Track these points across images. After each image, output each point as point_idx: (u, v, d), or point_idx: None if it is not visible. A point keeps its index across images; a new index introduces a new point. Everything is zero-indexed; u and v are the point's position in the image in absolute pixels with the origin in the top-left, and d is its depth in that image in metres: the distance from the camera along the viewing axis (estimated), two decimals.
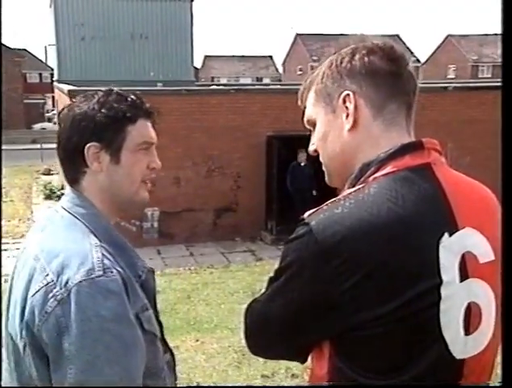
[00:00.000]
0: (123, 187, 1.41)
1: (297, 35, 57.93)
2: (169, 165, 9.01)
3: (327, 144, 1.24)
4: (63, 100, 12.86)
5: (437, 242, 1.08)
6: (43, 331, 1.20)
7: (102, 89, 1.44)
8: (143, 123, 1.43)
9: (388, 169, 1.13)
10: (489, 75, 48.76)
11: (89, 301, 1.19)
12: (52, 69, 27.48)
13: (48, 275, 1.24)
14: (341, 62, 1.21)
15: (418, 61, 51.44)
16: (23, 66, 41.31)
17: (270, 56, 65.40)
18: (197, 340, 5.85)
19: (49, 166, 19.56)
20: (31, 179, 18.57)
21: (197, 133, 10.40)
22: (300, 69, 52.36)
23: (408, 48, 44.48)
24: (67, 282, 1.21)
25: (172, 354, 1.52)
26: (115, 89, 1.44)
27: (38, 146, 24.55)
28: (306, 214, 1.14)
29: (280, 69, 62.93)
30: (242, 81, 53.79)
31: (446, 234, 1.09)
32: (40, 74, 50.41)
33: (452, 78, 44.96)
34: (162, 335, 1.48)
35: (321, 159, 1.28)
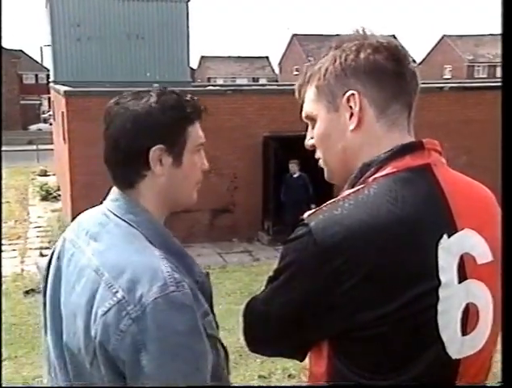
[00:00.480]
0: (180, 191, 1.37)
1: (293, 35, 57.95)
2: None
3: (329, 143, 1.23)
4: (59, 101, 12.84)
5: (436, 244, 1.08)
6: (119, 350, 1.17)
7: (155, 87, 1.37)
8: (198, 123, 1.38)
9: (389, 169, 1.13)
10: (485, 75, 48.90)
11: (165, 318, 1.17)
12: (48, 70, 27.42)
13: (117, 292, 1.19)
14: (345, 59, 1.19)
15: (414, 61, 51.17)
16: (18, 67, 41.27)
17: (267, 57, 65.39)
18: None
19: (45, 167, 19.52)
20: (27, 180, 18.53)
21: None
22: (297, 70, 52.32)
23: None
24: (140, 299, 1.17)
25: (226, 351, 1.48)
26: (169, 88, 1.38)
27: (34, 147, 24.52)
28: (306, 215, 1.14)
29: (276, 70, 62.95)
30: (238, 81, 53.82)
31: (445, 236, 1.09)
32: (36, 75, 50.31)
33: (448, 79, 45.05)
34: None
35: (318, 155, 1.27)
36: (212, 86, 23.62)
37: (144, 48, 22.35)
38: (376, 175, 1.13)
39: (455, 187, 1.15)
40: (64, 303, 1.33)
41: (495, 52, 51.72)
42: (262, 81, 54.57)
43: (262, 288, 1.26)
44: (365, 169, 1.16)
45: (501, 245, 1.14)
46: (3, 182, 14.20)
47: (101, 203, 1.39)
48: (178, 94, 1.36)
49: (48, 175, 18.75)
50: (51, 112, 21.94)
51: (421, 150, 1.16)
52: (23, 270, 9.76)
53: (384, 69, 1.17)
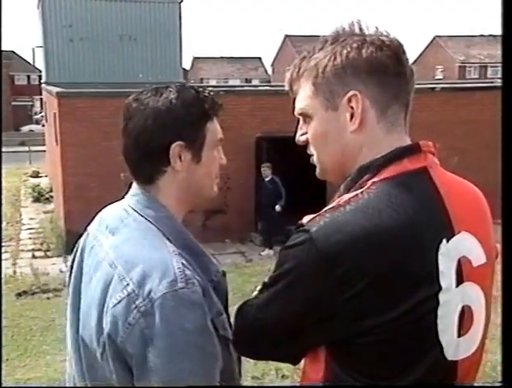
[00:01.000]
0: (202, 186, 1.39)
1: (286, 36, 57.99)
2: None
3: (325, 142, 1.19)
4: (51, 102, 12.79)
5: (436, 249, 1.07)
6: (127, 342, 1.19)
7: (174, 83, 1.38)
8: (216, 119, 1.39)
9: (387, 173, 1.11)
10: (476, 76, 49.08)
11: (173, 314, 1.17)
12: (40, 71, 27.31)
13: (128, 285, 1.21)
14: (346, 57, 1.14)
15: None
16: (10, 68, 41.05)
17: (259, 58, 65.37)
18: None
19: (37, 168, 19.44)
20: (20, 181, 18.46)
21: None
22: None
23: None
24: (149, 293, 1.18)
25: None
26: (188, 83, 1.37)
27: (26, 149, 24.42)
28: (305, 220, 1.11)
29: (269, 71, 62.95)
30: (231, 82, 53.73)
31: (444, 240, 1.08)
32: (28, 76, 50.07)
33: (440, 79, 45.19)
34: None
35: (310, 151, 1.24)
36: (205, 87, 23.58)
37: (136, 49, 22.29)
38: (375, 179, 1.11)
39: (451, 190, 1.15)
40: (83, 296, 1.35)
41: (486, 52, 51.97)
42: (255, 82, 54.51)
43: (255, 292, 1.23)
44: (363, 172, 1.13)
45: (502, 244, 1.15)
46: None
47: (123, 197, 1.41)
48: (196, 91, 1.36)
49: (41, 177, 18.68)
50: (43, 113, 21.86)
51: (419, 153, 1.14)
52: (15, 272, 9.72)
53: (386, 69, 1.13)
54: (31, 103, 48.00)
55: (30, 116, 46.09)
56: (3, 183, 17.43)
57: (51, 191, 15.28)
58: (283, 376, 4.95)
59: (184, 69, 30.08)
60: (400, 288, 1.04)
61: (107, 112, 10.63)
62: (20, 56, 50.78)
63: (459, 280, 1.09)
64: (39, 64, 26.69)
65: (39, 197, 15.45)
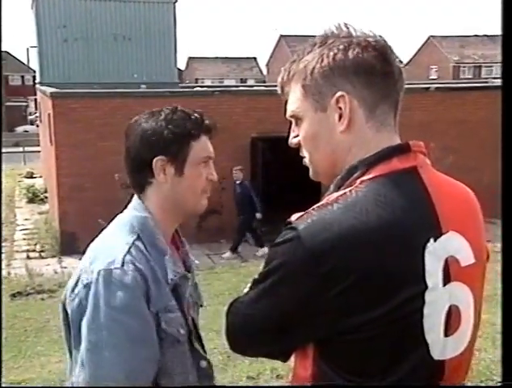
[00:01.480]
0: (185, 198, 1.56)
1: (281, 36, 58.04)
2: None
3: (316, 143, 1.20)
4: (45, 103, 12.76)
5: (423, 248, 1.08)
6: (70, 308, 1.43)
7: (168, 107, 1.57)
8: (204, 139, 1.57)
9: (376, 172, 1.12)
10: (471, 76, 49.21)
11: (103, 290, 1.36)
12: (35, 72, 27.24)
13: (84, 264, 1.45)
14: (333, 58, 1.15)
15: (401, 62, 51.49)
16: (4, 69, 40.89)
17: (255, 58, 65.38)
18: None
19: (32, 169, 19.39)
20: (14, 182, 18.40)
21: None
22: None
23: None
24: (92, 270, 1.40)
25: (209, 362, 1.63)
26: (180, 107, 1.57)
27: (20, 149, 24.35)
28: (293, 218, 1.12)
29: (264, 71, 62.97)
30: (226, 82, 53.73)
31: (431, 240, 1.09)
32: (22, 77, 49.97)
33: (434, 79, 45.33)
34: (200, 341, 1.62)
35: (303, 153, 1.25)
36: (200, 87, 23.56)
37: (131, 49, 22.27)
38: (364, 178, 1.12)
39: (440, 189, 1.16)
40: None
41: (480, 52, 52.16)
42: (250, 82, 54.57)
43: (246, 289, 1.25)
44: (352, 171, 1.14)
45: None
46: None
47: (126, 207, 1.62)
48: (184, 112, 1.55)
49: (35, 177, 18.62)
50: (37, 114, 21.79)
51: (408, 153, 1.15)
52: (9, 273, 9.69)
53: (372, 70, 1.15)
54: (25, 104, 47.88)
55: (24, 117, 45.96)
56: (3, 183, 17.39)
57: (45, 191, 15.24)
58: (278, 376, 4.95)
59: (179, 70, 30.03)
60: (385, 287, 1.05)
61: (101, 113, 10.63)
62: (14, 57, 50.65)
63: (447, 280, 1.10)
64: (34, 64, 26.65)
65: (34, 198, 15.42)
